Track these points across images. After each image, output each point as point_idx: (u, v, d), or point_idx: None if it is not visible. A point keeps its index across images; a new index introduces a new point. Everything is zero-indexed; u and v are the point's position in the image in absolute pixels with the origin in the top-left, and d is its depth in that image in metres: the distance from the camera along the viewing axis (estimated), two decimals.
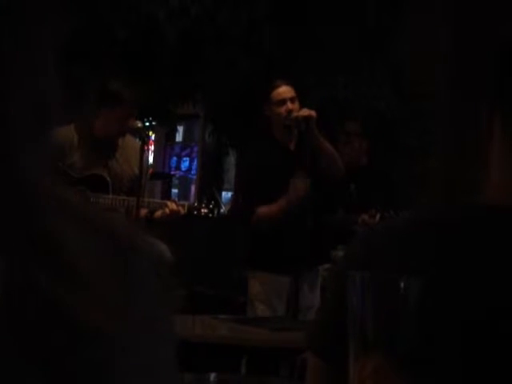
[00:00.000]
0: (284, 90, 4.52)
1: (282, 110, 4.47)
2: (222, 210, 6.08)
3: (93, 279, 0.53)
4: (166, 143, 13.88)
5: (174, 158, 14.20)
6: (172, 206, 4.67)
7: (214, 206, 4.83)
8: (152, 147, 13.46)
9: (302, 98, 4.61)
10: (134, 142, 4.92)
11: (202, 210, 4.78)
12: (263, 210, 4.47)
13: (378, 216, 5.07)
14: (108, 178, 4.74)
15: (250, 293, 4.63)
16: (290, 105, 4.46)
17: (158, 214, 4.71)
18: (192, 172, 13.67)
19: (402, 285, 0.81)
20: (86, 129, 4.76)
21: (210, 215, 4.80)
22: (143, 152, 4.64)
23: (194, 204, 4.88)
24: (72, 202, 0.57)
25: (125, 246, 0.57)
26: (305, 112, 4.41)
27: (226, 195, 12.16)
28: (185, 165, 13.92)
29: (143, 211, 4.68)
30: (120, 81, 4.92)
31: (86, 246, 0.54)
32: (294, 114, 4.42)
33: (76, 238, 0.54)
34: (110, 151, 4.79)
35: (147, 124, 10.04)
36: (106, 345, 0.53)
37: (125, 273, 0.55)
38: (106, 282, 0.53)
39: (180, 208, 4.68)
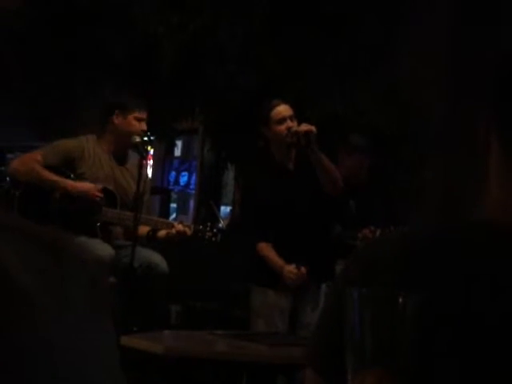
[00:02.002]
0: (283, 109, 4.52)
1: (283, 128, 4.47)
2: (220, 225, 6.07)
3: (30, 289, 0.54)
4: (164, 158, 13.89)
5: (173, 173, 14.20)
6: (179, 227, 4.68)
7: (218, 231, 4.84)
8: (151, 162, 13.47)
9: (302, 114, 4.62)
10: (138, 159, 4.95)
11: (207, 234, 4.78)
12: (263, 250, 4.48)
13: (378, 232, 5.06)
14: (116, 193, 4.77)
15: (252, 308, 4.62)
16: (289, 123, 4.47)
17: (163, 233, 4.72)
18: (191, 187, 13.66)
19: (400, 300, 0.81)
20: (97, 141, 4.81)
21: (214, 239, 4.80)
22: (141, 167, 4.65)
23: (199, 227, 4.87)
24: (5, 216, 0.59)
25: (59, 255, 0.59)
26: (305, 127, 4.41)
27: (225, 210, 12.15)
28: (183, 179, 13.91)
29: (145, 228, 4.69)
30: (128, 90, 4.99)
31: (22, 257, 0.56)
32: (294, 128, 4.43)
33: (9, 249, 0.55)
34: (119, 164, 4.84)
35: (146, 139, 10.05)
36: (44, 352, 0.54)
37: (60, 282, 0.57)
38: (41, 293, 0.55)
39: (186, 229, 4.69)
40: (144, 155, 4.79)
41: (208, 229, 4.80)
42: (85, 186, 4.69)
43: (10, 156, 9.40)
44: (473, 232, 0.96)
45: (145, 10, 7.97)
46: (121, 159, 4.84)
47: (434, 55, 0.99)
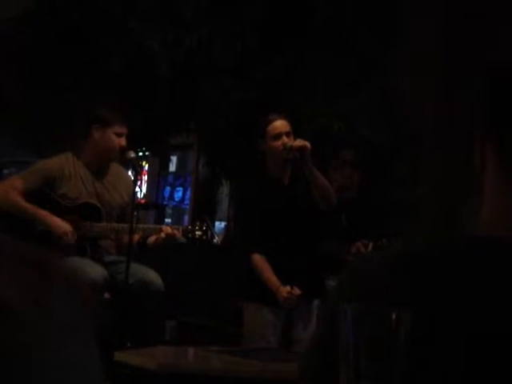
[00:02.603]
0: (280, 125, 4.51)
1: (278, 144, 4.47)
2: (215, 240, 6.07)
3: (14, 304, 0.55)
4: (159, 173, 13.89)
5: (168, 188, 14.20)
6: (167, 229, 4.67)
7: (207, 228, 4.82)
8: (145, 177, 13.47)
9: (296, 129, 4.62)
10: (123, 171, 4.94)
11: (197, 233, 4.77)
12: (258, 264, 4.47)
13: (370, 245, 5.07)
14: (100, 206, 4.74)
15: (245, 324, 4.61)
16: (285, 139, 4.47)
17: (153, 239, 4.70)
18: (185, 202, 13.66)
19: (394, 316, 0.81)
20: (77, 157, 4.78)
21: (204, 237, 4.78)
22: (136, 181, 4.65)
23: (188, 227, 4.87)
24: None
25: (45, 271, 0.59)
26: (299, 142, 4.41)
27: (220, 225, 12.15)
28: (178, 195, 13.91)
29: (136, 237, 4.67)
30: (108, 105, 4.96)
31: (7, 273, 0.56)
32: (289, 144, 4.42)
33: None
34: (100, 178, 4.81)
35: (141, 154, 10.06)
36: (28, 366, 0.54)
37: (45, 299, 0.57)
38: (26, 308, 0.55)
39: (175, 231, 4.68)
40: (138, 171, 4.78)
41: (197, 227, 4.78)
42: (59, 225, 4.65)
43: (5, 172, 9.38)
44: (468, 247, 0.95)
45: (141, 24, 8.00)
46: (101, 172, 4.81)
47: (428, 68, 0.99)
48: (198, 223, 4.83)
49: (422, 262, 0.96)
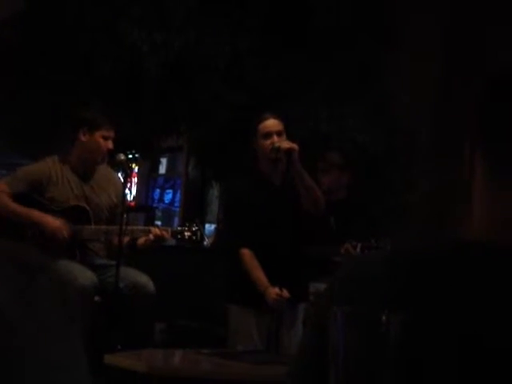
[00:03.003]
0: (271, 124, 4.48)
1: (268, 143, 4.43)
2: (205, 243, 6.06)
3: (3, 305, 0.56)
4: (149, 175, 13.88)
5: (157, 191, 14.18)
6: (155, 231, 4.66)
7: (197, 230, 4.81)
8: (135, 180, 13.45)
9: (286, 132, 4.60)
10: (111, 172, 4.93)
11: (186, 234, 4.76)
12: (247, 261, 4.44)
13: (359, 246, 5.07)
14: (88, 209, 4.73)
15: (230, 327, 4.59)
16: (276, 138, 4.43)
17: (142, 241, 4.69)
18: (175, 204, 13.65)
19: (384, 319, 0.81)
20: (63, 160, 4.77)
21: (194, 238, 4.77)
22: (126, 183, 4.64)
23: (177, 228, 4.86)
24: None
25: (34, 274, 0.59)
26: (287, 144, 4.38)
27: (209, 228, 12.14)
28: (168, 197, 13.90)
29: (125, 239, 4.66)
30: (95, 108, 4.94)
31: None
32: (277, 144, 4.39)
33: None
34: (87, 180, 4.79)
35: (130, 157, 10.05)
36: (16, 365, 0.55)
37: (33, 300, 0.58)
38: (14, 309, 0.56)
39: (164, 232, 4.67)
40: (128, 173, 4.77)
41: (186, 228, 4.77)
42: (51, 222, 4.63)
43: None
44: (459, 251, 0.96)
45: (130, 27, 7.98)
46: (88, 175, 4.80)
47: (426, 71, 0.99)
48: (187, 224, 4.83)
49: (414, 266, 0.96)
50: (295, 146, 4.37)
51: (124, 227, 4.59)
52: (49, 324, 0.58)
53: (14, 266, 0.59)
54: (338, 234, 5.20)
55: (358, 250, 5.05)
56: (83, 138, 4.70)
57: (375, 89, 6.84)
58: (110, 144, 4.69)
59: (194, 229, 4.78)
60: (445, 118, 0.98)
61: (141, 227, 5.05)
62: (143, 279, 4.63)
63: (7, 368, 0.55)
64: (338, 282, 1.03)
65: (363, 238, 5.03)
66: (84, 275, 4.45)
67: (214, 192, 11.55)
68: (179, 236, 4.77)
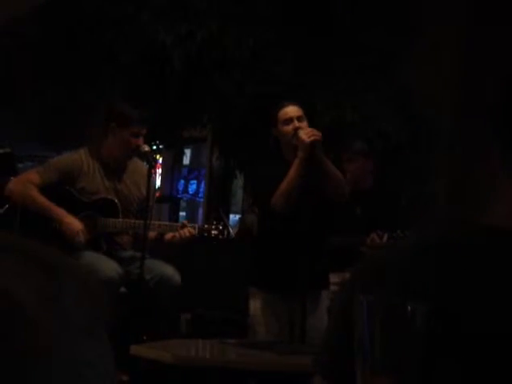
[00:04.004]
0: (291, 110, 4.47)
1: (289, 128, 4.42)
2: (230, 234, 6.06)
3: (27, 305, 0.55)
4: (173, 166, 13.90)
5: (182, 181, 14.21)
6: (184, 230, 4.68)
7: (223, 227, 4.82)
8: (159, 171, 13.48)
9: (310, 120, 4.58)
10: (141, 165, 4.93)
11: (213, 232, 4.77)
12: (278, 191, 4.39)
13: (385, 237, 5.06)
14: (117, 202, 4.75)
15: (251, 314, 4.59)
16: (296, 123, 4.42)
17: (169, 236, 4.71)
18: (199, 195, 13.66)
19: (409, 308, 0.80)
20: (95, 152, 4.78)
21: (221, 237, 4.79)
22: (151, 175, 4.65)
23: (203, 226, 4.88)
24: (3, 236, 0.60)
25: (57, 273, 0.60)
26: (311, 137, 4.32)
27: (234, 218, 12.15)
28: (192, 188, 13.92)
29: (152, 234, 4.68)
30: (126, 103, 4.94)
31: (19, 275, 0.57)
32: (302, 135, 4.34)
33: (7, 267, 0.57)
34: (118, 174, 4.81)
35: (154, 148, 10.07)
36: (41, 367, 0.55)
37: (57, 300, 0.58)
38: (38, 309, 0.56)
39: (191, 230, 4.69)
40: (152, 164, 4.77)
41: (213, 226, 4.79)
42: (71, 224, 4.65)
43: (21, 166, 9.40)
44: (484, 238, 0.95)
45: (153, 18, 8.00)
46: (119, 168, 4.81)
47: (444, 63, 0.98)
48: (214, 222, 4.83)
49: (440, 254, 0.96)
50: (318, 134, 4.34)
51: (152, 222, 4.62)
52: (74, 321, 0.58)
53: (35, 263, 0.59)
54: (365, 223, 5.19)
55: (385, 240, 5.04)
56: (112, 134, 4.71)
57: (398, 77, 6.80)
58: (139, 141, 4.70)
59: (220, 227, 4.79)
60: (466, 106, 0.97)
61: (168, 223, 5.07)
62: (169, 271, 4.64)
63: (34, 369, 0.55)
64: (364, 271, 1.03)
65: (390, 228, 5.02)
66: (110, 267, 4.47)
67: (238, 182, 11.55)
68: (206, 234, 4.78)
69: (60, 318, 0.57)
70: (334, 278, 4.72)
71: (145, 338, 4.40)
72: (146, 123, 4.77)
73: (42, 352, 0.55)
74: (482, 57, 0.94)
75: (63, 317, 0.57)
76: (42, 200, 4.64)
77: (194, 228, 4.75)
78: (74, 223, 4.63)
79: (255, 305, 4.56)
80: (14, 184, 4.81)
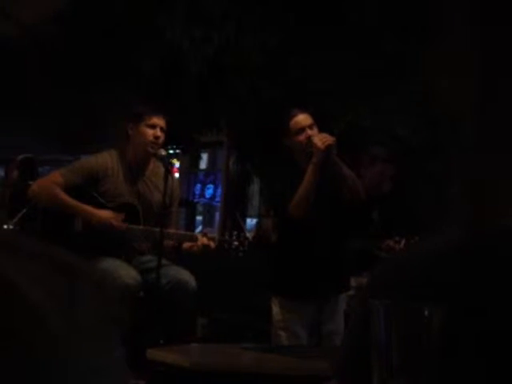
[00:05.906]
0: (302, 119, 4.51)
1: (302, 137, 4.46)
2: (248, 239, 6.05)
3: (40, 306, 0.55)
4: (190, 170, 13.93)
5: (198, 185, 14.23)
6: (203, 240, 4.67)
7: (244, 239, 4.82)
8: (176, 175, 13.50)
9: (327, 125, 4.60)
10: (162, 169, 4.94)
11: (234, 243, 4.78)
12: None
13: (402, 242, 5.05)
14: (139, 208, 4.75)
15: (273, 320, 4.61)
16: (309, 131, 4.46)
17: (187, 246, 4.72)
18: (216, 199, 13.68)
19: (426, 313, 0.80)
20: (120, 155, 4.80)
21: (242, 248, 4.80)
22: (167, 179, 4.65)
23: (224, 237, 4.87)
24: (22, 239, 0.60)
25: (73, 277, 0.59)
26: (325, 142, 4.35)
27: (251, 222, 12.15)
28: (209, 192, 13.94)
29: (170, 243, 4.70)
30: (147, 105, 4.96)
31: (34, 277, 0.57)
32: (317, 142, 4.37)
33: (22, 269, 0.57)
34: (140, 176, 4.82)
35: (171, 152, 10.09)
36: (53, 370, 0.55)
37: (71, 304, 0.58)
38: (51, 311, 0.56)
39: (211, 242, 4.68)
40: (169, 168, 4.78)
41: (234, 238, 4.79)
42: (105, 215, 4.66)
43: (40, 170, 9.44)
44: (502, 241, 0.94)
45: (170, 23, 8.02)
46: (142, 170, 4.82)
47: (464, 66, 0.98)
48: (235, 233, 4.83)
49: (457, 258, 0.95)
50: (331, 139, 4.37)
51: (168, 231, 4.63)
52: (86, 324, 0.58)
53: (52, 267, 0.59)
54: (382, 228, 5.19)
55: (402, 246, 5.03)
56: (131, 133, 4.75)
57: (415, 81, 6.80)
58: (157, 132, 4.70)
59: (241, 238, 4.80)
60: (488, 108, 0.96)
61: (188, 233, 5.08)
62: (185, 276, 4.64)
63: (45, 370, 0.55)
64: (381, 275, 1.02)
65: (408, 233, 5.01)
66: (128, 274, 4.48)
67: (255, 186, 11.56)
68: (226, 245, 4.79)
69: (79, 329, 0.57)
70: (351, 283, 4.73)
71: (162, 342, 4.41)
72: (161, 113, 4.77)
73: (60, 365, 0.55)
74: (502, 58, 0.94)
75: (76, 323, 0.57)
76: (68, 199, 4.65)
77: (214, 239, 4.74)
78: (105, 213, 4.64)
79: (276, 310, 4.58)
80: (38, 185, 4.82)
